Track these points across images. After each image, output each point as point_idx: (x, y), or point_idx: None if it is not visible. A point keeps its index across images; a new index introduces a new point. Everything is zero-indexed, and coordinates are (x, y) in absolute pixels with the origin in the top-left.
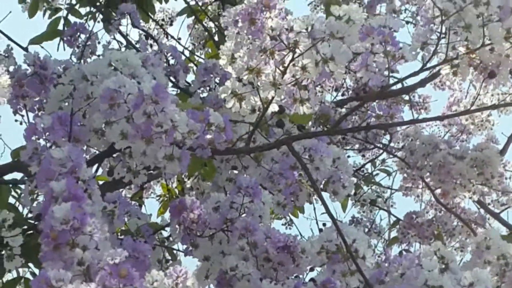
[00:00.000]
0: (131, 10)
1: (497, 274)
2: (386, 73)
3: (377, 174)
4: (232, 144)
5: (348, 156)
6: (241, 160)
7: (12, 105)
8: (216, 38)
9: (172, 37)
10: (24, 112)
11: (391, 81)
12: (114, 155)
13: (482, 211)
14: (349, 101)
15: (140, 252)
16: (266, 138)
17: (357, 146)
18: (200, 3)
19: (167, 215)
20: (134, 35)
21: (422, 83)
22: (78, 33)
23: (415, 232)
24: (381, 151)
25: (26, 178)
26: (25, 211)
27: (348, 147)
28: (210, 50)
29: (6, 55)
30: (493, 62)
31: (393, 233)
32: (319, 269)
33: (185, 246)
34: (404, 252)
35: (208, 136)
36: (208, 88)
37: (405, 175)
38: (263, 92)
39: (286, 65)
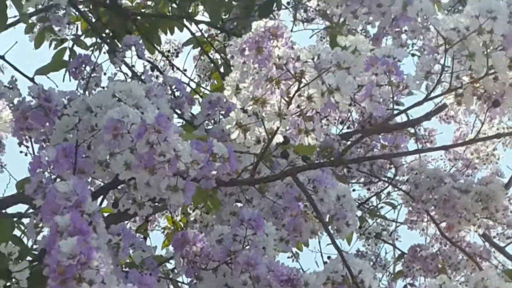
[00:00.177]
0: (136, 41)
1: None
2: (390, 103)
3: (382, 207)
4: (237, 175)
5: (353, 190)
6: (245, 193)
7: (17, 137)
8: (222, 69)
9: (178, 68)
10: (29, 144)
11: (395, 111)
12: (119, 187)
13: (487, 244)
14: (355, 134)
15: (146, 285)
16: (271, 169)
17: (362, 179)
18: (206, 35)
19: (172, 247)
20: (140, 66)
21: (428, 116)
22: (84, 65)
23: (420, 266)
24: (386, 184)
25: (31, 210)
26: (30, 243)
27: (353, 181)
28: (216, 82)
29: (11, 86)
30: (497, 91)
31: (398, 267)
32: None
33: (189, 279)
34: (409, 286)
35: (214, 172)
36: (212, 121)
37: (410, 208)
38: (268, 122)
39: (291, 95)
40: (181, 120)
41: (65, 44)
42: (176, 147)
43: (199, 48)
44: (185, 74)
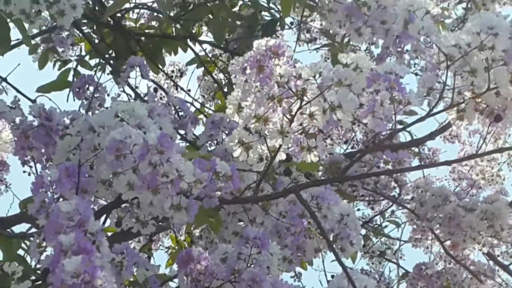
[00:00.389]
0: (140, 62)
1: None
2: (393, 120)
3: (386, 226)
4: (240, 193)
5: (358, 209)
6: (248, 213)
7: (18, 156)
8: (225, 89)
9: (182, 88)
10: (32, 163)
11: (398, 127)
12: (122, 206)
13: (491, 263)
14: (359, 153)
15: None
16: (274, 187)
17: (367, 198)
18: (210, 55)
19: (175, 266)
20: (144, 88)
21: (432, 136)
22: (87, 85)
23: (424, 284)
24: (390, 203)
25: (34, 230)
26: (33, 262)
27: (358, 200)
28: (219, 102)
29: (13, 106)
30: (499, 106)
31: (402, 286)
32: None
33: None
34: None
35: (219, 192)
36: (215, 141)
37: (414, 226)
38: (270, 140)
39: (293, 113)
40: (183, 141)
41: (69, 65)
42: (179, 167)
43: (203, 68)
44: (189, 94)
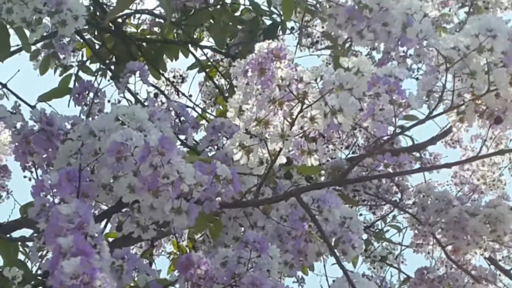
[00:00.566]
0: (140, 67)
1: None
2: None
3: (387, 231)
4: (240, 197)
5: (360, 214)
6: (249, 218)
7: (19, 162)
8: (227, 94)
9: (183, 94)
10: (33, 169)
11: (398, 131)
12: (123, 211)
13: (493, 267)
14: (360, 158)
15: None
16: (274, 191)
17: (368, 203)
18: (211, 60)
19: (176, 271)
20: (144, 93)
21: (433, 141)
22: (87, 91)
23: None
24: (392, 208)
25: (35, 234)
26: (34, 268)
27: (360, 205)
28: (221, 107)
29: (14, 111)
30: (499, 108)
31: None
32: None
33: None
34: None
35: (219, 197)
36: (216, 147)
37: (416, 231)
38: (271, 144)
39: (294, 116)
40: (184, 147)
41: (71, 71)
42: (180, 169)
43: (204, 74)
44: (190, 100)
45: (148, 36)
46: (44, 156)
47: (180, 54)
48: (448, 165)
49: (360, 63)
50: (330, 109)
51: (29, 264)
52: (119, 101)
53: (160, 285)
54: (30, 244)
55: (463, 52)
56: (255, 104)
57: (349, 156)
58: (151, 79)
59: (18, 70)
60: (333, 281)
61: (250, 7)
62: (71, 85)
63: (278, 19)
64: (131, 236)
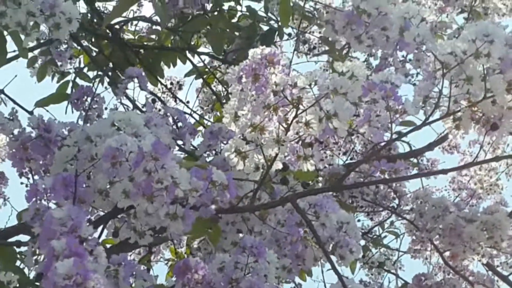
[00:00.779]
0: (138, 73)
1: None
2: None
3: (385, 237)
4: (237, 203)
5: (358, 220)
6: (247, 223)
7: (17, 168)
8: (224, 101)
9: (181, 100)
10: (30, 175)
11: (394, 135)
12: (119, 216)
13: (490, 273)
14: (358, 164)
15: None
16: (271, 196)
17: (366, 209)
18: (208, 66)
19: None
20: (142, 99)
21: (430, 146)
22: (85, 96)
23: None
24: (389, 213)
25: (30, 240)
26: (31, 274)
27: (358, 210)
28: (218, 114)
29: (11, 118)
30: (496, 115)
31: None
32: None
33: None
34: None
35: (215, 203)
36: (214, 152)
37: (413, 237)
38: (267, 149)
39: (289, 121)
40: (182, 152)
41: (68, 78)
42: (174, 174)
43: (201, 80)
44: (187, 106)
45: (145, 43)
46: (41, 162)
47: (178, 61)
48: (444, 171)
49: (354, 67)
50: (325, 113)
51: (26, 270)
52: (117, 108)
53: None
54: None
55: (460, 58)
56: (250, 110)
57: (346, 162)
58: (148, 85)
59: (15, 76)
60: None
61: (247, 13)
62: (68, 91)
63: (276, 25)
64: (128, 243)
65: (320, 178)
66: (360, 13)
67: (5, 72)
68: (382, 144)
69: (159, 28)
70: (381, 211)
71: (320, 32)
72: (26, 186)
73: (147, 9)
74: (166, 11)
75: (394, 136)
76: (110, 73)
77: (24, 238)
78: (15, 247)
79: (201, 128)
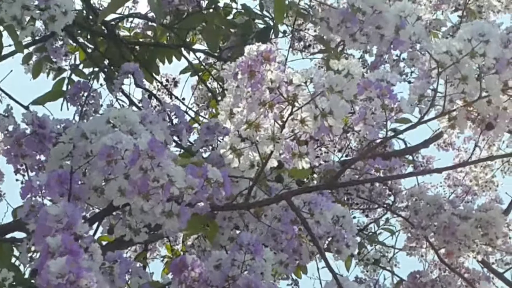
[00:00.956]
0: (134, 69)
1: None
2: (385, 127)
3: (380, 234)
4: (232, 200)
5: (354, 217)
6: (244, 218)
7: (12, 164)
8: (219, 98)
9: (176, 97)
10: (25, 172)
11: (389, 134)
12: (114, 213)
13: (486, 270)
14: (353, 161)
15: None
16: (266, 193)
17: (361, 206)
18: (204, 63)
19: (170, 273)
20: (138, 95)
21: (426, 144)
22: (82, 92)
23: None
24: (385, 210)
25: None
26: (27, 271)
27: (353, 207)
28: (214, 110)
29: (6, 114)
30: (491, 114)
31: None
32: None
33: None
34: None
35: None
36: (210, 147)
37: (409, 234)
38: (262, 146)
39: (285, 119)
40: (179, 149)
41: (64, 74)
42: (170, 172)
43: (197, 77)
44: (183, 103)
45: (141, 40)
46: (36, 158)
47: (173, 57)
48: (439, 170)
49: (350, 65)
50: (320, 111)
51: (21, 267)
52: (112, 105)
53: None
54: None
55: (456, 57)
56: (245, 107)
57: (342, 159)
58: (144, 82)
59: (11, 71)
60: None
61: (243, 10)
62: (64, 88)
63: (271, 23)
64: (124, 240)
65: (315, 175)
66: (355, 11)
67: (1, 68)
68: (378, 141)
69: (154, 24)
70: (376, 208)
71: (315, 30)
72: (22, 183)
73: (143, 6)
74: (161, 7)
75: (390, 133)
76: (105, 70)
77: (20, 235)
78: (10, 244)
79: (196, 125)
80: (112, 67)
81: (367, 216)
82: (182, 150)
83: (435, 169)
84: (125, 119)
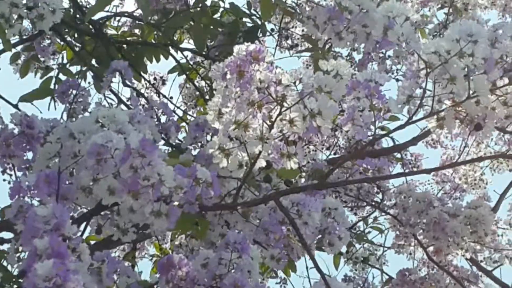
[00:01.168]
0: (123, 66)
1: None
2: (373, 127)
3: (369, 232)
4: (220, 200)
5: None
6: (233, 217)
7: (0, 165)
8: (207, 97)
9: (164, 96)
10: (12, 172)
11: (378, 132)
12: (102, 213)
13: (474, 268)
14: (341, 159)
15: None
16: (254, 193)
17: (350, 204)
18: (191, 62)
19: (157, 272)
20: (126, 93)
21: (414, 141)
22: (71, 90)
23: None
24: (374, 209)
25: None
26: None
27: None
28: (202, 109)
29: None
30: (479, 115)
31: None
32: None
33: None
34: None
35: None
36: (200, 144)
37: (397, 232)
38: (250, 147)
39: (273, 119)
40: (167, 146)
41: (51, 73)
42: (160, 171)
43: (184, 76)
44: (171, 102)
45: (128, 38)
46: (24, 159)
47: (161, 56)
48: (427, 171)
49: (339, 66)
50: (309, 112)
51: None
52: (101, 102)
53: (141, 287)
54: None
55: (444, 57)
56: (234, 106)
57: (330, 157)
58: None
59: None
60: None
61: (230, 9)
62: (51, 87)
63: (258, 22)
64: (112, 239)
65: (303, 174)
66: (342, 9)
67: None
68: (366, 141)
69: (141, 23)
70: (364, 206)
71: (303, 30)
72: (9, 183)
73: (130, 5)
74: (149, 5)
75: (378, 131)
76: (93, 69)
77: (8, 235)
78: None
79: (184, 124)
80: (99, 67)
81: (355, 214)
82: (171, 148)
83: (423, 170)
84: (114, 119)
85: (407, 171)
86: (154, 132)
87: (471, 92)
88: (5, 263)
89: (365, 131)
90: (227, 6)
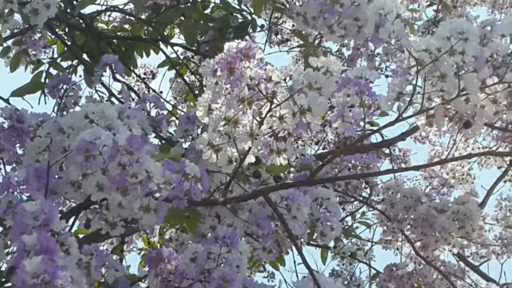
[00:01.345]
0: (114, 60)
1: None
2: (363, 123)
3: (357, 227)
4: (209, 195)
5: None
6: (223, 209)
7: None
8: (197, 92)
9: (154, 90)
10: (1, 166)
11: (368, 131)
12: (91, 207)
13: (461, 263)
14: (330, 154)
15: None
16: (244, 189)
17: (337, 199)
18: (182, 57)
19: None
20: (117, 86)
21: (402, 137)
22: (61, 84)
23: (395, 285)
24: (361, 204)
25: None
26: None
27: None
28: (192, 104)
29: None
30: (469, 113)
31: (373, 286)
32: None
33: None
34: None
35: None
36: (190, 137)
37: (385, 228)
38: (240, 143)
39: (263, 115)
40: (158, 139)
41: (42, 68)
42: (148, 168)
43: (175, 71)
44: (160, 96)
45: (119, 33)
46: (14, 152)
47: (151, 51)
48: (416, 168)
49: (329, 63)
50: (299, 108)
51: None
52: (92, 97)
53: (129, 281)
54: None
55: (435, 55)
56: (224, 103)
57: (318, 152)
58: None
59: None
60: (304, 277)
61: (221, 4)
62: (43, 81)
63: (249, 17)
64: (101, 233)
65: (292, 169)
66: (333, 3)
67: None
68: (355, 137)
69: (132, 18)
70: (352, 201)
71: (293, 25)
72: None
73: None
74: (140, 0)
75: (367, 127)
76: (84, 63)
77: None
78: None
79: (173, 118)
80: (90, 60)
81: (343, 209)
82: (162, 141)
83: (412, 166)
84: (103, 114)
85: (396, 167)
86: (145, 125)
87: (461, 90)
88: None
89: (354, 128)
90: (218, 1)
